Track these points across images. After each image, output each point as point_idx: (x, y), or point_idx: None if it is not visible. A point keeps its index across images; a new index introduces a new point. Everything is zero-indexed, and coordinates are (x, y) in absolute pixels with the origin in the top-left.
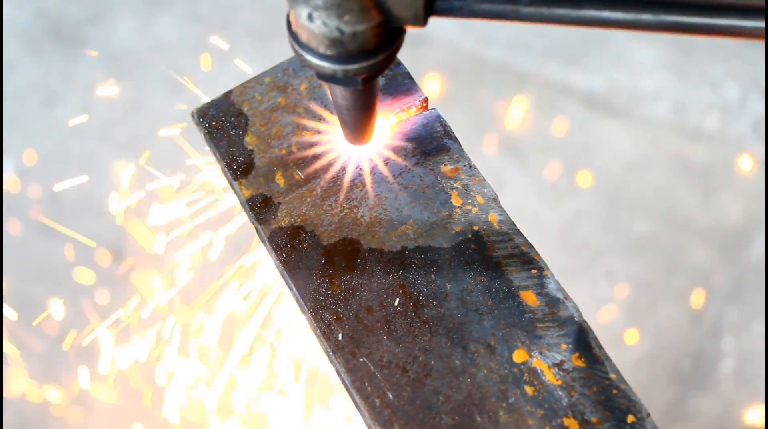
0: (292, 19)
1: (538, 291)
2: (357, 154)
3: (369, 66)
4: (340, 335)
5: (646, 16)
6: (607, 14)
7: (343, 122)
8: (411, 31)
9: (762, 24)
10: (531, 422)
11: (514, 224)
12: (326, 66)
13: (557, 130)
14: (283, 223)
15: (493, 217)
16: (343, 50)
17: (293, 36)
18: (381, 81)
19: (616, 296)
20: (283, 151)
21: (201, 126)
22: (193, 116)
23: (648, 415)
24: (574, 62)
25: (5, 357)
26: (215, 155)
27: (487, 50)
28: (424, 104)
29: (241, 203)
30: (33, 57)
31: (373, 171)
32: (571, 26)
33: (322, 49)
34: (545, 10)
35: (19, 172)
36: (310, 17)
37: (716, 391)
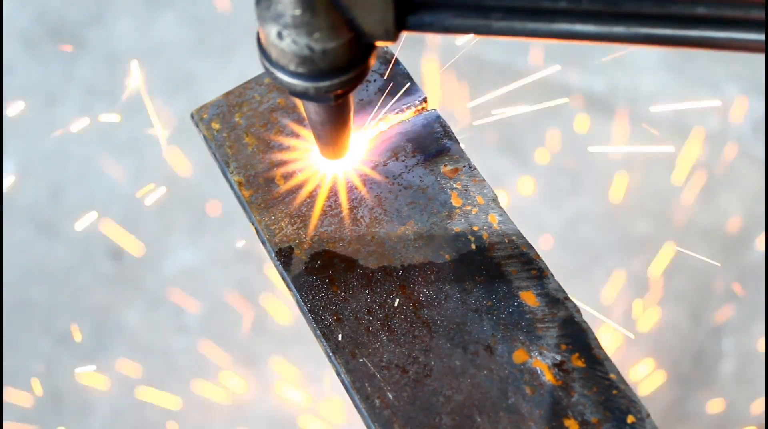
0: (261, 37)
1: (538, 291)
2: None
3: (341, 83)
4: (340, 336)
5: (619, 29)
6: (579, 27)
7: (317, 137)
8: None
9: (735, 35)
10: (531, 423)
11: (514, 225)
12: (297, 84)
13: (557, 131)
14: (282, 224)
15: (493, 217)
16: (314, 68)
17: (264, 54)
18: (380, 81)
19: (616, 296)
20: (283, 152)
21: (200, 127)
22: (192, 117)
23: (648, 415)
24: (575, 63)
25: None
26: (214, 156)
27: (487, 50)
28: (424, 104)
29: (241, 204)
30: (33, 58)
31: (373, 172)
32: (543, 40)
33: (292, 67)
34: (517, 24)
35: (19, 172)
36: (279, 35)
37: (717, 391)
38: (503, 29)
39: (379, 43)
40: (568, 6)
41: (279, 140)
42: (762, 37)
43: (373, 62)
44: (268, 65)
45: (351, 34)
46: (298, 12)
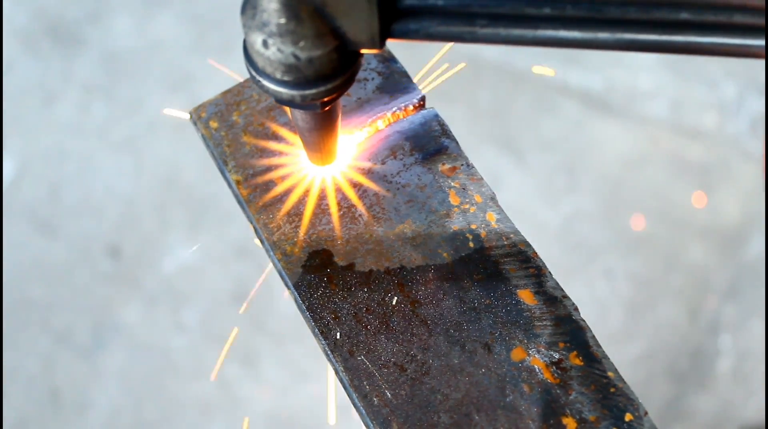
0: (247, 45)
1: (536, 289)
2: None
3: (327, 90)
4: (338, 334)
5: (604, 35)
6: (564, 34)
7: (305, 144)
8: None
9: (719, 40)
10: (528, 420)
11: (512, 223)
12: (283, 91)
13: (555, 129)
14: (280, 223)
15: (491, 215)
16: (299, 76)
17: (249, 62)
18: (378, 80)
19: (614, 294)
20: (281, 151)
21: (198, 126)
22: (190, 116)
23: (646, 413)
24: (572, 61)
25: None
26: (212, 155)
27: (485, 49)
28: (422, 103)
29: (239, 203)
30: (31, 56)
31: (371, 170)
32: (529, 46)
33: (278, 75)
34: (502, 31)
35: (18, 171)
36: (264, 44)
37: (714, 389)
38: (488, 36)
39: (364, 51)
40: (552, 12)
41: (277, 139)
42: (746, 41)
43: (359, 69)
44: (254, 73)
45: (336, 42)
46: (282, 21)
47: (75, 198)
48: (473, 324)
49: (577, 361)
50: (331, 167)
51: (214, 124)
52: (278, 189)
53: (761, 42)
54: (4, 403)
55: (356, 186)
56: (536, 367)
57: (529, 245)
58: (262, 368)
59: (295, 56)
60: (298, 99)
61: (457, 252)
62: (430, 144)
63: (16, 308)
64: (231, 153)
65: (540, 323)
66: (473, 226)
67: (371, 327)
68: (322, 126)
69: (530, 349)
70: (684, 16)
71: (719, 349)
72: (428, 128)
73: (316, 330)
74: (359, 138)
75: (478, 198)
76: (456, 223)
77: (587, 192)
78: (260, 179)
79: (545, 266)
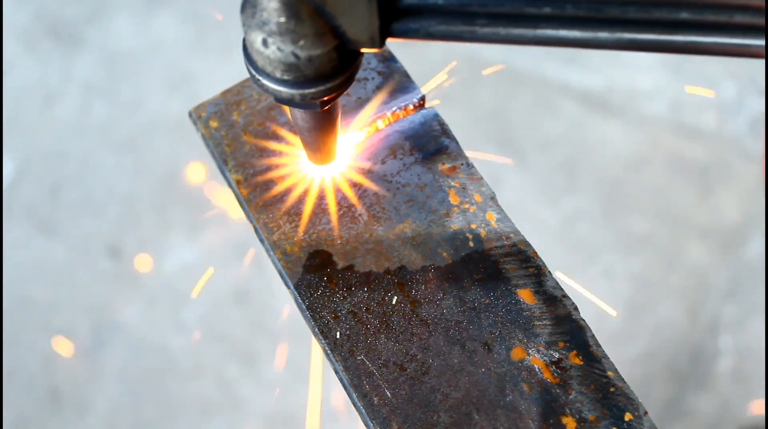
0: (247, 44)
1: (536, 289)
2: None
3: (327, 89)
4: (337, 333)
5: (603, 34)
6: (563, 33)
7: (304, 144)
8: None
9: (719, 40)
10: (528, 420)
11: (512, 222)
12: (283, 91)
13: (555, 129)
14: (281, 222)
15: (491, 215)
16: (299, 75)
17: (249, 61)
18: (378, 79)
19: (613, 294)
20: (281, 150)
21: (198, 125)
22: (190, 115)
23: (645, 413)
24: (572, 61)
25: None
26: (212, 155)
27: (485, 49)
28: (422, 102)
29: (239, 202)
30: (32, 56)
31: (371, 170)
32: (529, 45)
33: (278, 74)
34: (501, 30)
35: (18, 171)
36: (264, 43)
37: (713, 388)
38: (488, 35)
39: (364, 50)
40: (552, 12)
41: (277, 138)
42: (746, 41)
43: (359, 69)
44: (254, 72)
45: (336, 42)
46: (282, 20)
47: (75, 198)
48: (473, 323)
49: (577, 361)
50: (331, 167)
51: (214, 124)
52: (278, 188)
53: (761, 42)
54: (4, 403)
55: (356, 186)
56: (536, 366)
57: (528, 245)
58: (262, 368)
59: (295, 55)
60: (297, 98)
61: (457, 252)
62: (430, 143)
63: (16, 308)
64: (231, 152)
65: (540, 323)
66: (473, 226)
67: (371, 326)
68: (321, 125)
69: (530, 348)
70: (684, 15)
71: (719, 349)
72: (428, 128)
73: (316, 329)
74: (359, 138)
75: (478, 197)
76: (456, 223)
77: (587, 192)
78: (260, 179)
79: (545, 266)
